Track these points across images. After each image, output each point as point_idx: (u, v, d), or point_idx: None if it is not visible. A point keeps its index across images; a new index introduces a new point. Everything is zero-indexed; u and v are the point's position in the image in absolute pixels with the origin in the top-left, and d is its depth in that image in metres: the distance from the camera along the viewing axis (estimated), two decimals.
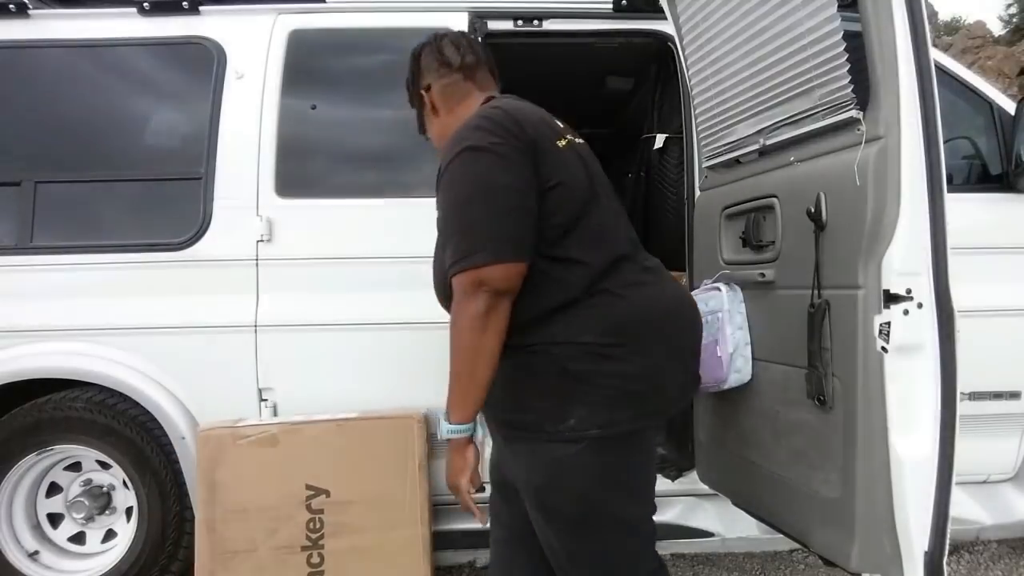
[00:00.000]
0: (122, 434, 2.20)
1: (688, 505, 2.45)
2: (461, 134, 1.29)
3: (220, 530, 2.00)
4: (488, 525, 1.55)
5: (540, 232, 1.22)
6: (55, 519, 2.35)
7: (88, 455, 2.29)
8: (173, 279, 2.23)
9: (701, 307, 1.90)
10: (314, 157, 2.39)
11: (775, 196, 1.79)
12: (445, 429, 1.24)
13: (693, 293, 1.99)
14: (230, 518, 2.00)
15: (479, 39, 1.54)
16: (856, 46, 1.50)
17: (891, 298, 1.41)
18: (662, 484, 2.30)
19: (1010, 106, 2.32)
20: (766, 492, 1.85)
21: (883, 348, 1.43)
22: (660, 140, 2.67)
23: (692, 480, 2.35)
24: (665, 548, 2.02)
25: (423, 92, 1.53)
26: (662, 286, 1.35)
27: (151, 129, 2.40)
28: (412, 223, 2.28)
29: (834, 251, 1.55)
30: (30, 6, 2.40)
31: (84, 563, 2.32)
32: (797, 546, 2.18)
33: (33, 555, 2.29)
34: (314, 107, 2.36)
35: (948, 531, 1.42)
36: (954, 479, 1.42)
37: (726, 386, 1.88)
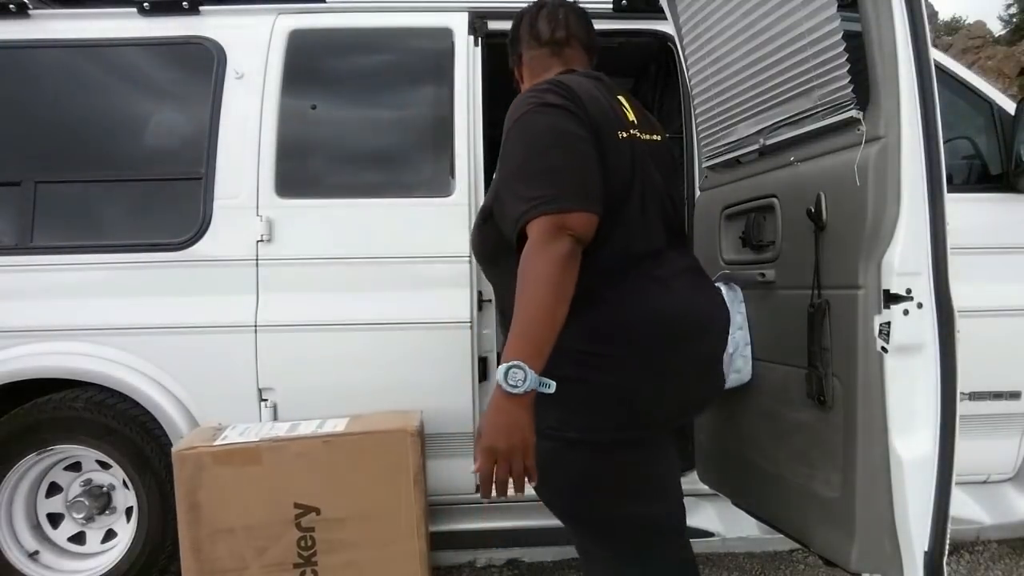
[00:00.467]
0: (122, 434, 2.20)
1: (688, 505, 2.43)
2: (529, 94, 1.26)
3: (207, 550, 1.93)
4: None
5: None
6: (55, 519, 2.35)
7: (88, 455, 2.29)
8: (173, 279, 2.23)
9: None
10: (314, 157, 2.39)
11: (775, 196, 1.79)
12: (524, 380, 1.06)
13: None
14: (216, 538, 1.93)
15: (578, 11, 1.51)
16: (856, 46, 1.50)
17: (891, 298, 1.41)
18: None
19: (1010, 106, 2.32)
20: (766, 492, 1.85)
21: (883, 348, 1.42)
22: None
23: (692, 480, 2.34)
24: None
25: (515, 60, 1.54)
26: (666, 298, 1.26)
27: (151, 129, 2.40)
28: (412, 223, 2.29)
29: (834, 251, 1.55)
30: (30, 6, 2.40)
31: (84, 563, 2.31)
32: (797, 546, 2.18)
33: (33, 555, 2.29)
34: (314, 107, 2.36)
35: (948, 531, 1.41)
36: (954, 479, 1.42)
37: (726, 386, 1.87)
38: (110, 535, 2.35)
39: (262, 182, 2.27)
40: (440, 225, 2.28)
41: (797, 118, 1.73)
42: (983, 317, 2.08)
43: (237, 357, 2.22)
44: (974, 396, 2.18)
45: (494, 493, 1.09)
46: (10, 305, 2.22)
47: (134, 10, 2.40)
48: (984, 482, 2.42)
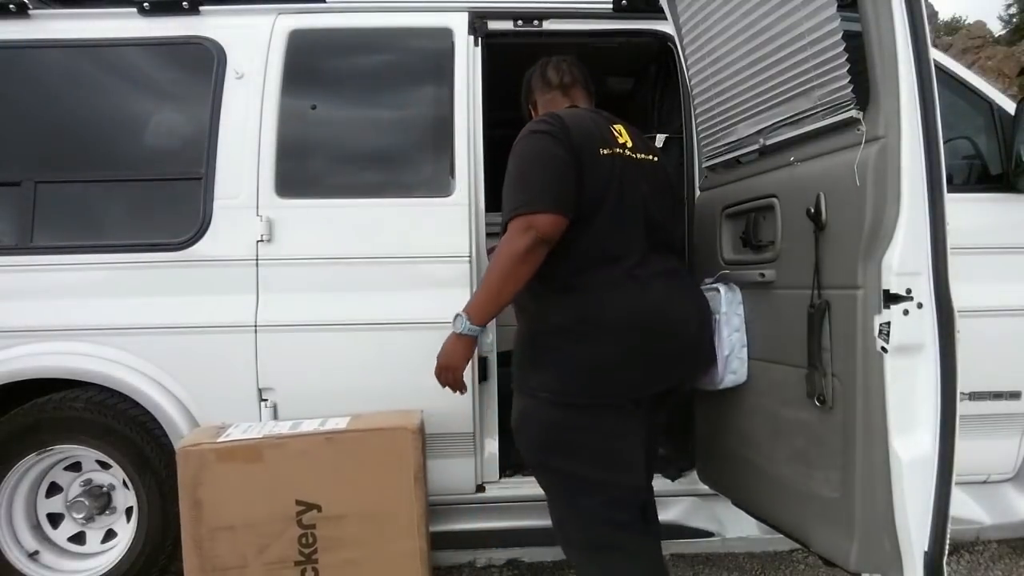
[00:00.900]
0: (122, 434, 2.20)
1: (688, 505, 2.45)
2: (529, 125, 1.61)
3: (207, 547, 1.94)
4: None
5: (578, 207, 1.51)
6: (55, 519, 2.35)
7: (88, 455, 2.29)
8: (173, 279, 2.23)
9: None
10: (314, 157, 2.39)
11: (775, 196, 1.79)
12: (463, 326, 1.53)
13: None
14: (217, 535, 1.94)
15: (578, 64, 1.89)
16: (856, 46, 1.50)
17: (891, 298, 1.41)
18: (662, 484, 2.30)
19: (1010, 106, 2.32)
20: (766, 492, 1.85)
21: (883, 348, 1.43)
22: (660, 140, 2.67)
23: (692, 480, 2.35)
24: (665, 548, 2.01)
25: (530, 106, 1.91)
26: (638, 295, 1.54)
27: (151, 129, 2.39)
28: (412, 223, 2.29)
29: (834, 251, 1.55)
30: (30, 6, 2.40)
31: (84, 563, 2.31)
32: (797, 546, 2.18)
33: (33, 555, 2.29)
34: (314, 107, 2.36)
35: (948, 531, 1.42)
36: (954, 479, 1.42)
37: (722, 386, 1.89)
38: (110, 535, 2.35)
39: (262, 182, 2.27)
40: (440, 225, 2.28)
41: (797, 118, 1.73)
42: (983, 317, 2.08)
43: (237, 357, 2.21)
44: (974, 396, 2.18)
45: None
46: (10, 305, 2.22)
47: (134, 10, 2.40)
48: (984, 482, 2.42)
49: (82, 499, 2.30)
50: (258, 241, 2.24)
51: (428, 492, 2.14)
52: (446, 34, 2.40)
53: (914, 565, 1.42)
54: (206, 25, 2.40)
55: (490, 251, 2.38)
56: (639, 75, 3.20)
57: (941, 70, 2.23)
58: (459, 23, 2.41)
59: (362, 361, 2.24)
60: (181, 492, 1.94)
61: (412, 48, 2.43)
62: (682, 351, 1.63)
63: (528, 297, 1.59)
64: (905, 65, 1.40)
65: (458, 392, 1.66)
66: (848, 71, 1.52)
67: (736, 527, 2.43)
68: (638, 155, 1.64)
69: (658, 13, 2.33)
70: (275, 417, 2.23)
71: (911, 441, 1.43)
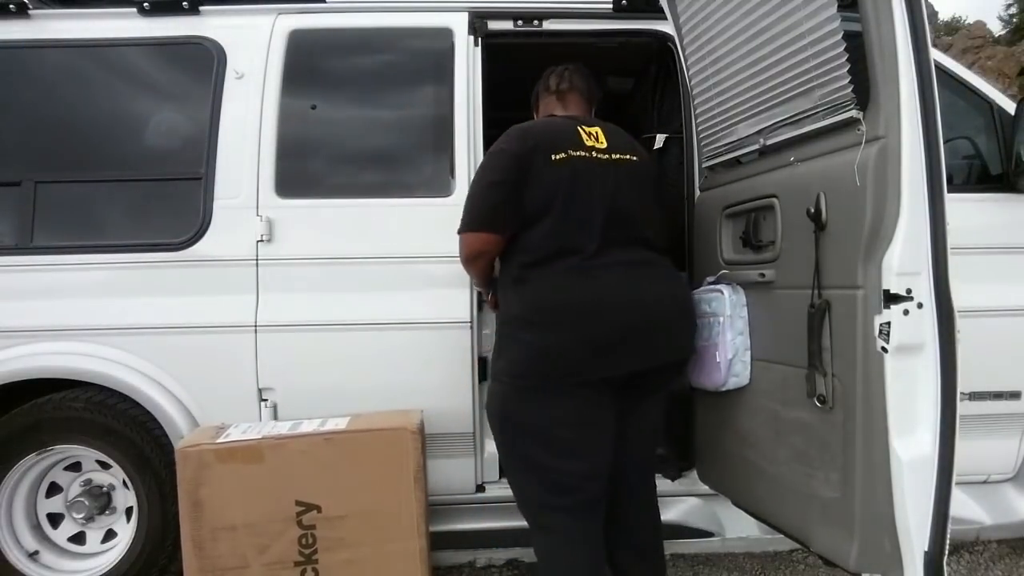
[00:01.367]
0: (122, 434, 2.20)
1: (688, 505, 2.45)
2: (498, 139, 1.77)
3: (208, 548, 1.94)
4: None
5: (519, 216, 1.69)
6: (55, 519, 2.35)
7: (88, 455, 2.29)
8: (173, 279, 2.23)
9: (703, 307, 1.91)
10: (314, 157, 2.39)
11: (775, 196, 1.79)
12: None
13: (695, 292, 1.99)
14: (218, 535, 1.94)
15: (582, 72, 1.99)
16: (856, 46, 1.50)
17: (891, 298, 1.41)
18: (662, 484, 2.30)
19: (1010, 106, 2.32)
20: (766, 492, 1.85)
21: (883, 348, 1.43)
22: (660, 140, 2.67)
23: (692, 480, 2.35)
24: (665, 548, 2.01)
25: (535, 110, 2.05)
26: (586, 284, 1.65)
27: (151, 129, 2.39)
28: (412, 223, 2.29)
29: (834, 251, 1.55)
30: (30, 6, 2.40)
31: (84, 563, 2.31)
32: (797, 546, 2.18)
33: (33, 555, 2.29)
34: (314, 107, 2.36)
35: (948, 531, 1.42)
36: (954, 479, 1.42)
37: (724, 389, 1.89)
38: (110, 535, 2.35)
39: (262, 182, 2.27)
40: (440, 225, 2.26)
41: (797, 118, 1.73)
42: (983, 317, 2.08)
43: (237, 357, 2.21)
44: (974, 396, 2.18)
45: None
46: (10, 305, 2.22)
47: (134, 10, 2.40)
48: (984, 482, 2.42)
49: (82, 499, 2.30)
50: (258, 241, 2.24)
51: (428, 492, 2.14)
52: (446, 34, 2.40)
53: (914, 565, 1.42)
54: (206, 25, 2.40)
55: None
56: (639, 75, 3.20)
57: (941, 70, 2.23)
58: (459, 23, 2.41)
59: (362, 361, 2.24)
60: (181, 492, 1.94)
61: (412, 48, 2.43)
62: (627, 338, 1.65)
63: (499, 292, 1.84)
64: (905, 65, 1.40)
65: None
66: (848, 71, 1.52)
67: (736, 527, 2.43)
68: (613, 155, 1.75)
69: (658, 13, 2.33)
70: (275, 417, 2.23)
71: (911, 441, 1.43)
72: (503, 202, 1.70)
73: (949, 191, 1.42)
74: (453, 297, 2.27)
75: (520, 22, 2.46)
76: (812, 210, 1.58)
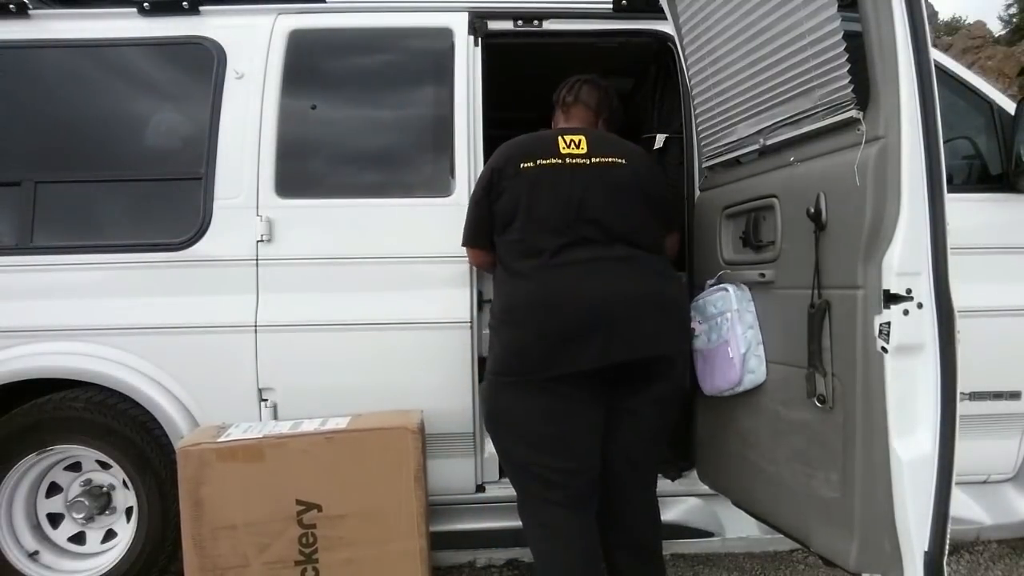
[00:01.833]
0: (122, 434, 2.20)
1: (688, 505, 2.45)
2: None
3: (209, 547, 1.94)
4: None
5: (495, 226, 1.86)
6: (55, 519, 2.35)
7: (88, 455, 2.29)
8: (173, 279, 2.23)
9: (709, 310, 1.90)
10: (314, 157, 2.39)
11: (775, 196, 1.79)
12: None
13: (699, 296, 1.99)
14: (219, 534, 1.94)
15: (595, 84, 2.07)
16: (856, 46, 1.50)
17: (891, 298, 1.41)
18: (662, 484, 2.30)
19: (1010, 106, 2.32)
20: (766, 492, 1.85)
21: (883, 348, 1.43)
22: (660, 140, 2.67)
23: (692, 480, 2.35)
24: (665, 548, 2.01)
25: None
26: (549, 282, 1.73)
27: (151, 129, 2.39)
28: (412, 223, 2.29)
29: (834, 251, 1.55)
30: (30, 6, 2.40)
31: (84, 563, 2.31)
32: (797, 546, 2.18)
33: (33, 555, 2.29)
34: (314, 107, 2.36)
35: (948, 531, 1.42)
36: (954, 479, 1.42)
37: (740, 388, 1.85)
38: (110, 535, 2.35)
39: (262, 182, 2.27)
40: (440, 225, 2.28)
41: (797, 118, 1.73)
42: (983, 317, 2.08)
43: (237, 357, 2.21)
44: (974, 396, 2.18)
45: None
46: (10, 305, 2.22)
47: (134, 10, 2.39)
48: (984, 482, 2.42)
49: (82, 499, 2.30)
50: (258, 241, 2.24)
51: (428, 492, 2.14)
52: (446, 34, 2.40)
53: (914, 565, 1.42)
54: (206, 25, 2.40)
55: None
56: (639, 75, 3.20)
57: (941, 70, 2.23)
58: (459, 23, 2.41)
59: (362, 361, 2.24)
60: (182, 492, 1.94)
61: (412, 48, 2.43)
62: (589, 332, 1.68)
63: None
64: (905, 65, 1.40)
65: None
66: (848, 71, 1.52)
67: (736, 527, 2.43)
68: (592, 159, 1.83)
69: (658, 13, 2.33)
70: (275, 417, 2.23)
71: (911, 441, 1.43)
72: (483, 217, 1.88)
73: (949, 191, 1.42)
74: (453, 297, 2.27)
75: (520, 22, 2.46)
76: (812, 210, 1.58)
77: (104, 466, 2.31)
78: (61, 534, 2.34)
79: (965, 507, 2.38)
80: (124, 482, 2.29)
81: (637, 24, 2.49)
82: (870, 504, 1.48)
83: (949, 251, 1.42)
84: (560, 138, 1.86)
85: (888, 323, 1.41)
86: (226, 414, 2.19)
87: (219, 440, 1.97)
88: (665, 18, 2.30)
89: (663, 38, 2.44)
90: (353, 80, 2.42)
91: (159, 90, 2.43)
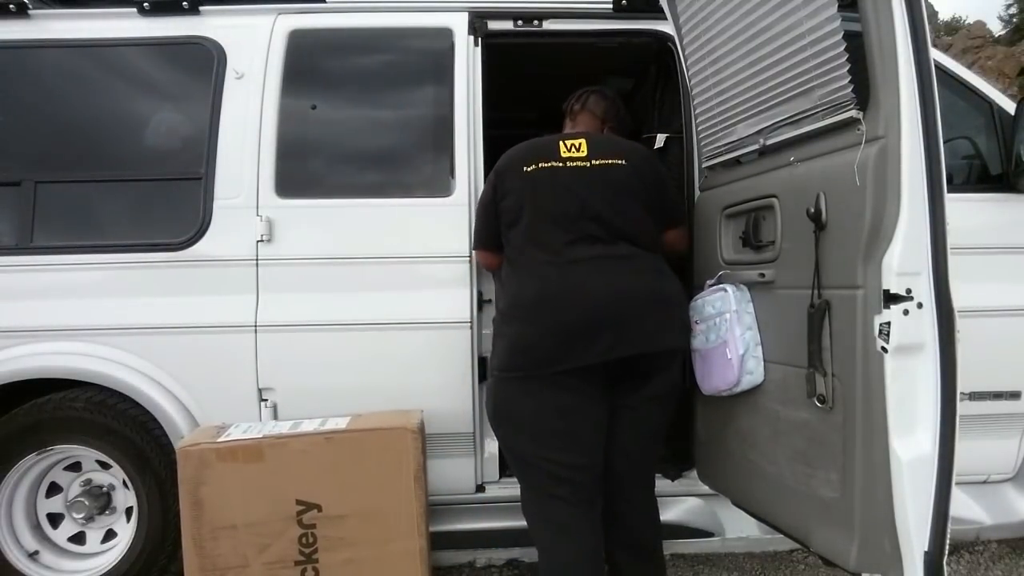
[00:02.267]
0: (122, 434, 2.20)
1: (688, 505, 2.45)
2: None
3: (209, 547, 1.94)
4: None
5: (503, 226, 1.91)
6: (55, 519, 2.35)
7: (88, 455, 2.29)
8: (173, 279, 2.23)
9: (707, 310, 1.90)
10: (314, 157, 2.39)
11: (775, 196, 1.79)
12: None
13: (698, 296, 1.99)
14: (219, 535, 1.94)
15: (603, 94, 2.15)
16: (856, 46, 1.50)
17: (891, 298, 1.41)
18: (662, 484, 2.30)
19: (1010, 106, 2.32)
20: (766, 492, 1.85)
21: (883, 348, 1.43)
22: (660, 140, 2.67)
23: (692, 480, 2.35)
24: (665, 548, 2.01)
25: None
26: (552, 278, 1.76)
27: (151, 129, 2.39)
28: (412, 223, 2.29)
29: (834, 251, 1.55)
30: (30, 6, 2.40)
31: (84, 563, 2.31)
32: (797, 546, 2.18)
33: (33, 555, 2.29)
34: (314, 107, 2.36)
35: (948, 531, 1.42)
36: (954, 479, 1.42)
37: (739, 389, 1.85)
38: (110, 535, 2.35)
39: (262, 182, 2.27)
40: (440, 225, 2.28)
41: (797, 118, 1.73)
42: (983, 317, 2.08)
43: (237, 357, 2.21)
44: (974, 396, 2.18)
45: None
46: (10, 305, 2.22)
47: (134, 10, 2.39)
48: (984, 482, 2.42)
49: (82, 499, 2.30)
50: (258, 241, 2.24)
51: (428, 492, 2.14)
52: (446, 34, 2.40)
53: (914, 565, 1.42)
54: (206, 25, 2.40)
55: None
56: (639, 75, 3.20)
57: (941, 70, 2.23)
58: (459, 23, 2.41)
59: (362, 361, 2.24)
60: (182, 492, 1.94)
61: (412, 48, 2.43)
62: (591, 328, 1.71)
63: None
64: (905, 65, 1.40)
65: None
66: (848, 71, 1.52)
67: (736, 527, 2.43)
68: (593, 161, 1.87)
69: (658, 13, 2.33)
70: (275, 417, 2.23)
71: (911, 441, 1.43)
72: (491, 220, 1.95)
73: (949, 191, 1.42)
74: (453, 297, 2.27)
75: (520, 22, 2.45)
76: (812, 210, 1.58)
77: (104, 466, 2.31)
78: (61, 534, 2.34)
79: (965, 507, 2.38)
80: (124, 482, 2.29)
81: (637, 24, 2.49)
82: (870, 504, 1.48)
83: (949, 251, 1.42)
84: (561, 142, 1.90)
85: (888, 323, 1.41)
86: (226, 414, 2.19)
87: (219, 440, 1.97)
88: (665, 18, 2.30)
89: (663, 38, 2.44)
90: (353, 80, 2.42)
91: (159, 90, 2.43)
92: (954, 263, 1.41)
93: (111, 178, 2.33)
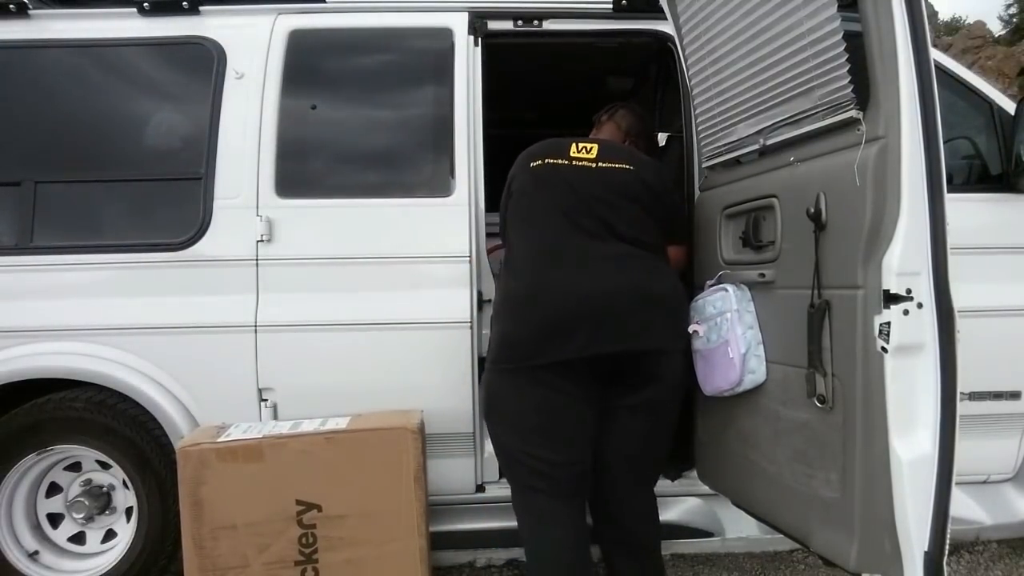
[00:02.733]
0: (122, 434, 2.20)
1: (688, 505, 2.45)
2: None
3: (209, 547, 1.94)
4: None
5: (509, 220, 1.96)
6: (55, 519, 2.35)
7: (88, 455, 2.29)
8: (173, 279, 2.23)
9: (708, 310, 1.90)
10: (314, 157, 2.39)
11: (775, 196, 1.79)
12: None
13: (699, 296, 1.99)
14: (219, 535, 1.94)
15: (628, 108, 2.24)
16: (856, 46, 1.50)
17: (891, 298, 1.41)
18: (662, 484, 2.30)
19: (1010, 106, 2.32)
20: (766, 492, 1.85)
21: (883, 348, 1.43)
22: (663, 138, 2.67)
23: (692, 480, 2.35)
24: (665, 548, 2.01)
25: None
26: (541, 274, 1.80)
27: (151, 129, 2.39)
28: (412, 223, 2.29)
29: (834, 251, 1.55)
30: (30, 6, 2.40)
31: (84, 563, 2.31)
32: (797, 546, 2.18)
33: (33, 555, 2.29)
34: (314, 107, 2.36)
35: (948, 531, 1.42)
36: (954, 479, 1.42)
37: (740, 389, 1.84)
38: (110, 535, 2.35)
39: (262, 182, 2.27)
40: (440, 225, 2.28)
41: (797, 118, 1.73)
42: (983, 317, 2.08)
43: (237, 357, 2.21)
44: (974, 396, 2.18)
45: None
46: (10, 305, 2.22)
47: (134, 10, 2.39)
48: (984, 482, 2.42)
49: (82, 499, 2.30)
50: (258, 241, 2.24)
51: (428, 492, 2.14)
52: (446, 34, 2.40)
53: (914, 565, 1.42)
54: (206, 25, 2.39)
55: (490, 251, 2.38)
56: (639, 75, 3.20)
57: (941, 70, 2.23)
58: (459, 23, 2.40)
59: (362, 361, 2.24)
60: (182, 492, 1.94)
61: (412, 48, 2.43)
62: (575, 323, 1.73)
63: None
64: (905, 65, 1.40)
65: None
66: (848, 71, 1.52)
67: (736, 527, 2.43)
68: (600, 163, 1.90)
69: (658, 13, 2.33)
70: (275, 417, 2.23)
71: (911, 441, 1.43)
72: (504, 216, 2.00)
73: (949, 191, 1.42)
74: (453, 297, 2.27)
75: (520, 22, 2.45)
76: (812, 210, 1.58)
77: (104, 466, 2.31)
78: (61, 534, 2.34)
79: (965, 507, 2.38)
80: (124, 482, 2.29)
81: (637, 24, 2.48)
82: (870, 504, 1.48)
83: (949, 251, 1.42)
84: (573, 144, 1.94)
85: (888, 323, 1.41)
86: (226, 414, 2.19)
87: (219, 440, 1.97)
88: (665, 18, 2.30)
89: (663, 38, 2.44)
90: (353, 80, 2.42)
91: (159, 90, 2.43)
92: (954, 263, 1.42)
93: (111, 178, 2.32)
